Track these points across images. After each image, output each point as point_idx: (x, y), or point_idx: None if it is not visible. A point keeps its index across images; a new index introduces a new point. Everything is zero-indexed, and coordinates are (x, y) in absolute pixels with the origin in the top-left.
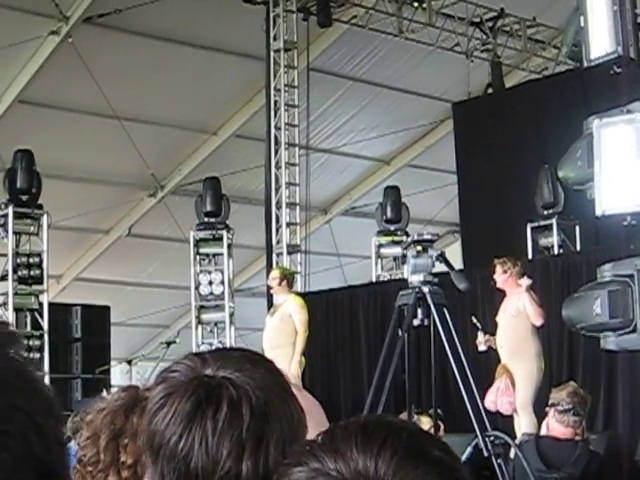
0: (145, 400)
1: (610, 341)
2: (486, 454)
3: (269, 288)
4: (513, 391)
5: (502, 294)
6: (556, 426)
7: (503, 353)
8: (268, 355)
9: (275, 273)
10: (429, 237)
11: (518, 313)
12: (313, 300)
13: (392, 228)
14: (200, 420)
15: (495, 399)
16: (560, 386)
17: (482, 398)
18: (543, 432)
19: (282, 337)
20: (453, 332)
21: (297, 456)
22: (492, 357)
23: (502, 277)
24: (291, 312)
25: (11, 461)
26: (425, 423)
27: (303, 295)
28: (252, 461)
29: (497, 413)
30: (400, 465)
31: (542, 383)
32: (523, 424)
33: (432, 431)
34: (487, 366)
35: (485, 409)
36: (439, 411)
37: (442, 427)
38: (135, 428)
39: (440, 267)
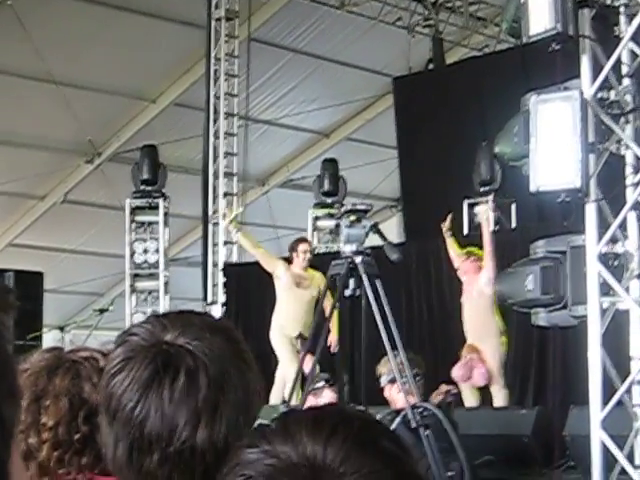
0: (68, 362)
1: (541, 317)
2: (414, 425)
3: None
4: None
5: (459, 281)
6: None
7: (470, 334)
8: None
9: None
10: (363, 207)
11: (480, 295)
12: (249, 271)
13: (329, 201)
14: (157, 388)
15: (467, 373)
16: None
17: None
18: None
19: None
20: (385, 303)
21: (250, 438)
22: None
23: (469, 265)
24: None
25: None
26: (328, 396)
27: (238, 265)
28: (207, 431)
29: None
30: (348, 453)
31: (506, 358)
32: (500, 398)
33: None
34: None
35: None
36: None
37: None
38: (57, 389)
39: (376, 241)
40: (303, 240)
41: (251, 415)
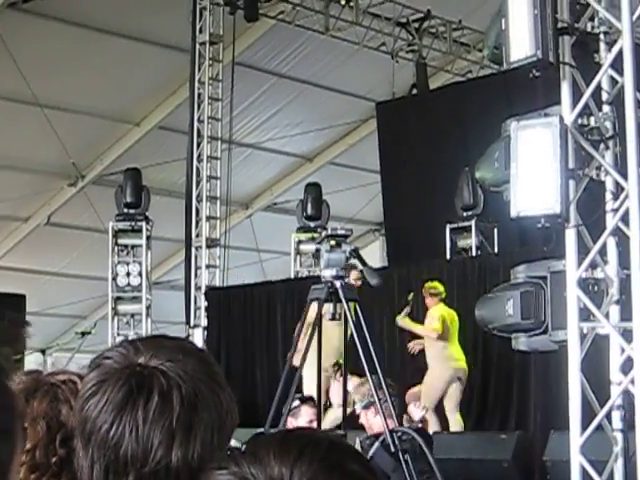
0: (46, 385)
1: (521, 342)
2: (393, 450)
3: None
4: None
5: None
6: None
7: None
8: None
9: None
10: (343, 232)
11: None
12: (231, 295)
13: (312, 225)
14: (131, 409)
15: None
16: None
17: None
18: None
19: None
20: (364, 327)
21: (220, 460)
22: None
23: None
24: None
25: None
26: (307, 413)
27: (221, 289)
28: (182, 450)
29: None
30: (315, 475)
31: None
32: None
33: (314, 424)
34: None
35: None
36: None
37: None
38: (35, 412)
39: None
40: (353, 267)
41: (225, 435)
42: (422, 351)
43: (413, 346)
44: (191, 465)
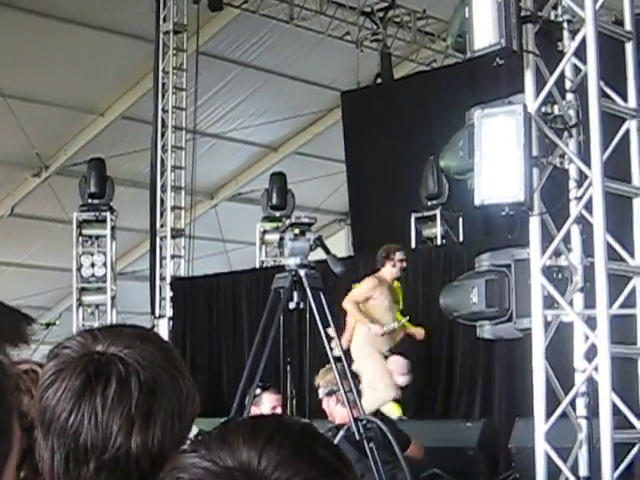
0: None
1: (486, 330)
2: (357, 438)
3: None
4: None
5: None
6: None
7: None
8: None
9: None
10: (307, 220)
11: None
12: (196, 285)
13: (277, 214)
14: (89, 396)
15: None
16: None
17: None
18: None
19: None
20: (328, 316)
21: (190, 444)
22: None
23: None
24: None
25: None
26: (269, 400)
27: (186, 279)
28: (141, 437)
29: None
30: (284, 459)
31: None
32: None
33: (278, 409)
34: None
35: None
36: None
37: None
38: None
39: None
40: (399, 248)
41: (185, 421)
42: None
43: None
44: (151, 451)
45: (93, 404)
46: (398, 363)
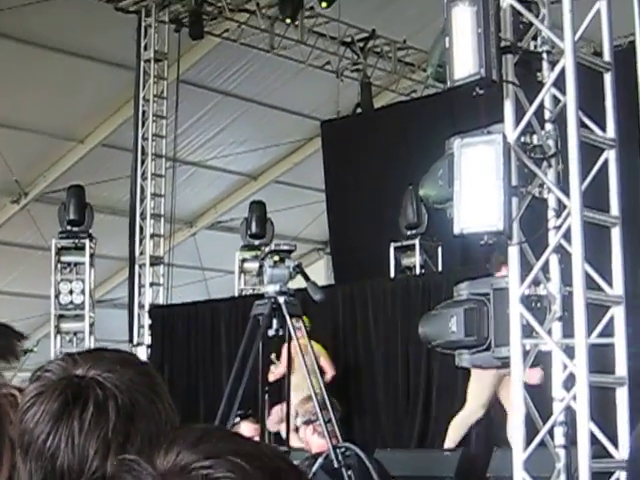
0: None
1: (464, 358)
2: (336, 465)
3: None
4: None
5: None
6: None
7: None
8: None
9: None
10: (287, 247)
11: None
12: (175, 313)
13: (256, 243)
14: (67, 419)
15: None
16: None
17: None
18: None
19: None
20: (308, 342)
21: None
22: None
23: None
24: None
25: None
26: (247, 429)
27: (165, 307)
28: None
29: None
30: (220, 460)
31: None
32: None
33: (256, 439)
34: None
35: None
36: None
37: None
38: None
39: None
40: (503, 263)
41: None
42: None
43: None
44: None
45: (70, 427)
46: None
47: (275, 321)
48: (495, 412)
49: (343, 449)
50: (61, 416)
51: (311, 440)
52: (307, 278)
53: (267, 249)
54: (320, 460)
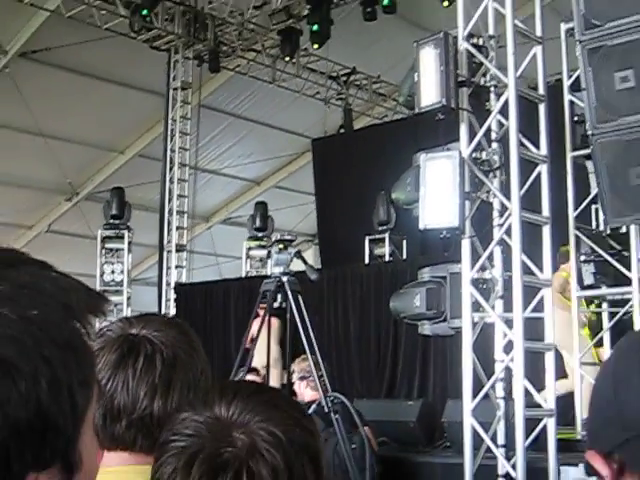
0: None
1: (426, 328)
2: (326, 410)
3: None
4: None
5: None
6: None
7: None
8: None
9: None
10: (289, 237)
11: None
12: (195, 290)
13: (259, 235)
14: (123, 368)
15: None
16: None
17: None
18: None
19: None
20: (304, 312)
21: (185, 407)
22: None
23: None
24: None
25: (15, 397)
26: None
27: (187, 285)
28: (162, 401)
29: None
30: (244, 406)
31: None
32: None
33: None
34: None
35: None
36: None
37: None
38: None
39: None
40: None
41: (199, 390)
42: None
43: None
44: (170, 414)
45: (125, 374)
46: None
47: (279, 296)
48: (449, 370)
49: (332, 397)
50: (118, 365)
51: (305, 392)
52: (305, 262)
53: (274, 238)
54: (314, 406)
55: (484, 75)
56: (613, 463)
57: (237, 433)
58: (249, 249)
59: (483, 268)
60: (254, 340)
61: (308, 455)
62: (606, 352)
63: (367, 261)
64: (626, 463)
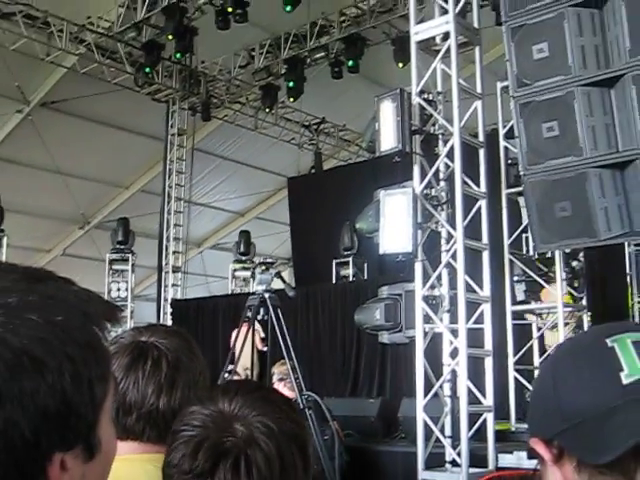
0: None
1: (385, 337)
2: (302, 407)
3: None
4: None
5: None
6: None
7: None
8: None
9: None
10: (271, 260)
11: None
12: (188, 305)
13: (243, 258)
14: (134, 370)
15: None
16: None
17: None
18: None
19: None
20: (283, 325)
21: (192, 402)
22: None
23: None
24: None
25: (44, 388)
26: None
27: (181, 300)
28: (167, 398)
29: None
30: (244, 402)
31: None
32: None
33: None
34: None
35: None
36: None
37: None
38: None
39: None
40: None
41: (198, 389)
42: None
43: None
44: (174, 409)
45: (136, 375)
46: None
47: (262, 310)
48: (403, 373)
49: (306, 396)
50: (130, 367)
51: (283, 392)
52: (284, 281)
53: (257, 261)
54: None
55: (433, 125)
56: (553, 448)
57: (237, 425)
58: (234, 270)
59: (433, 286)
60: (235, 346)
61: (297, 444)
62: (535, 356)
63: (334, 281)
64: (564, 448)
